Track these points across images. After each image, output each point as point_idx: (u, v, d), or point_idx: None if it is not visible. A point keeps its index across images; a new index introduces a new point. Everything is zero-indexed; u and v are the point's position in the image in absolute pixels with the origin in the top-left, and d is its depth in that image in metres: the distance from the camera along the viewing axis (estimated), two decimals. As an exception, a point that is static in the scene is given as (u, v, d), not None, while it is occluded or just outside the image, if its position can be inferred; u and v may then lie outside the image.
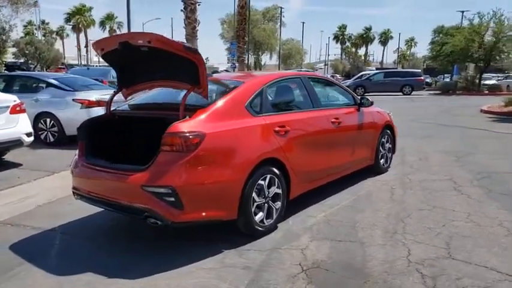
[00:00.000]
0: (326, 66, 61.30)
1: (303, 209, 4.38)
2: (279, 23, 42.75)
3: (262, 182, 3.63)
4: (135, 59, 3.72)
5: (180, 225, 3.32)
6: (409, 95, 26.53)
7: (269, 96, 4.02)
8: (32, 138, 7.02)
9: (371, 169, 5.69)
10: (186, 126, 3.25)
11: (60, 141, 8.40)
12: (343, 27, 72.09)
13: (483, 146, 8.00)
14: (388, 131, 5.92)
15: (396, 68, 53.32)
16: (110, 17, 65.49)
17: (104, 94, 8.76)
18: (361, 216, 4.19)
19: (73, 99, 8.36)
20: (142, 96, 4.37)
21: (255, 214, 3.61)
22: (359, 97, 5.39)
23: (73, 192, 3.92)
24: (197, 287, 2.89)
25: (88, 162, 3.74)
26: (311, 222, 4.05)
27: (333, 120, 4.66)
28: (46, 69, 36.30)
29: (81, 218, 4.37)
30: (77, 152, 3.98)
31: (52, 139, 8.47)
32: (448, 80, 34.83)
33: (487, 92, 26.63)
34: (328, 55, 67.69)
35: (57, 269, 3.23)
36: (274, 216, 3.81)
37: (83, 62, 54.87)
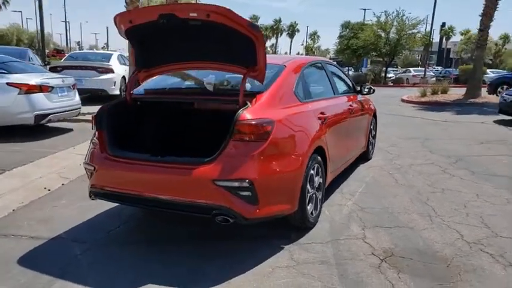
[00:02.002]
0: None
1: (326, 198, 4.29)
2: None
3: (312, 172, 3.46)
4: (173, 36, 3.24)
5: (252, 223, 2.99)
6: (325, 85, 27.92)
7: (306, 82, 3.83)
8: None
9: (361, 156, 5.81)
10: (256, 113, 2.93)
11: (-9, 134, 7.12)
12: (254, 18, 72.87)
13: (431, 132, 8.72)
14: (374, 119, 6.11)
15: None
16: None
17: (46, 78, 7.64)
18: (387, 201, 4.25)
19: (7, 83, 7.08)
20: (156, 80, 3.84)
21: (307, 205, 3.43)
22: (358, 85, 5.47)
23: (91, 191, 3.30)
24: (291, 287, 2.65)
25: (116, 155, 3.18)
26: (346, 210, 3.99)
27: (349, 107, 4.64)
28: None
29: (84, 222, 3.75)
30: (94, 142, 3.36)
31: (-20, 131, 7.13)
32: (351, 72, 37.42)
33: (391, 84, 29.26)
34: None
35: (106, 285, 2.71)
36: (318, 207, 3.67)
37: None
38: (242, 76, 3.13)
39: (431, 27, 28.71)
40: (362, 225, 3.64)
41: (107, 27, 64.99)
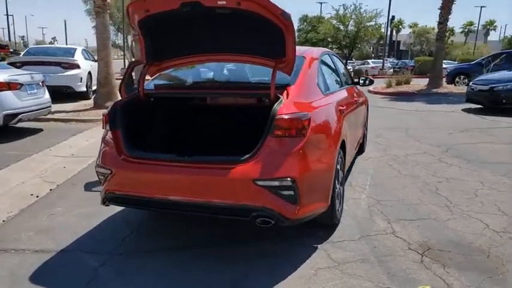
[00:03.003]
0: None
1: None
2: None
3: (338, 166, 3.34)
4: (193, 25, 2.99)
5: (292, 224, 2.81)
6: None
7: (323, 73, 3.69)
8: None
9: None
10: (293, 107, 2.76)
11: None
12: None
13: (409, 122, 8.89)
14: (367, 111, 6.10)
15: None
16: None
17: (14, 74, 7.01)
18: (399, 193, 4.23)
19: (-29, 81, 6.44)
20: (167, 75, 3.56)
21: (335, 201, 3.31)
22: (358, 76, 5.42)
23: (107, 196, 2.99)
24: (343, 290, 2.53)
25: (136, 156, 2.89)
26: (364, 204, 3.92)
27: (354, 98, 4.57)
28: None
29: (91, 231, 3.44)
30: (106, 142, 3.05)
31: None
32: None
33: (351, 75, 29.90)
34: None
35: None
36: (342, 202, 3.57)
37: None
38: (272, 69, 2.93)
39: (388, 20, 29.53)
40: (386, 218, 3.58)
41: (65, 21, 60.66)
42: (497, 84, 10.04)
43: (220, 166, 2.68)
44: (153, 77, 3.47)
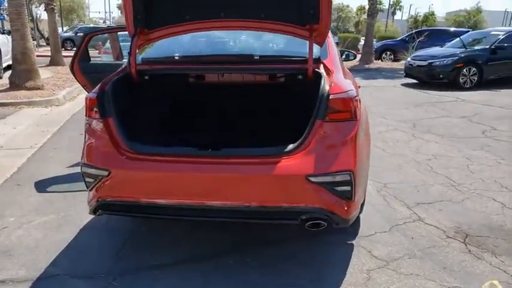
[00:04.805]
0: (106, 23, 56.02)
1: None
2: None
3: (363, 151, 2.99)
4: None
5: (345, 226, 2.37)
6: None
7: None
8: None
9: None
10: (342, 86, 2.31)
11: None
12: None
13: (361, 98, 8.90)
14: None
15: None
16: None
17: None
18: (398, 174, 4.05)
19: None
20: (162, 47, 2.88)
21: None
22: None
23: (101, 204, 2.30)
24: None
25: (142, 152, 2.24)
26: (372, 189, 3.63)
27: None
28: None
29: (69, 247, 2.75)
30: (95, 134, 2.34)
31: None
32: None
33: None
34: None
35: None
36: (359, 191, 3.24)
37: None
38: (308, 38, 2.44)
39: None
40: (403, 204, 3.35)
41: None
42: (435, 60, 10.46)
43: (259, 160, 2.16)
44: (140, 49, 2.76)
